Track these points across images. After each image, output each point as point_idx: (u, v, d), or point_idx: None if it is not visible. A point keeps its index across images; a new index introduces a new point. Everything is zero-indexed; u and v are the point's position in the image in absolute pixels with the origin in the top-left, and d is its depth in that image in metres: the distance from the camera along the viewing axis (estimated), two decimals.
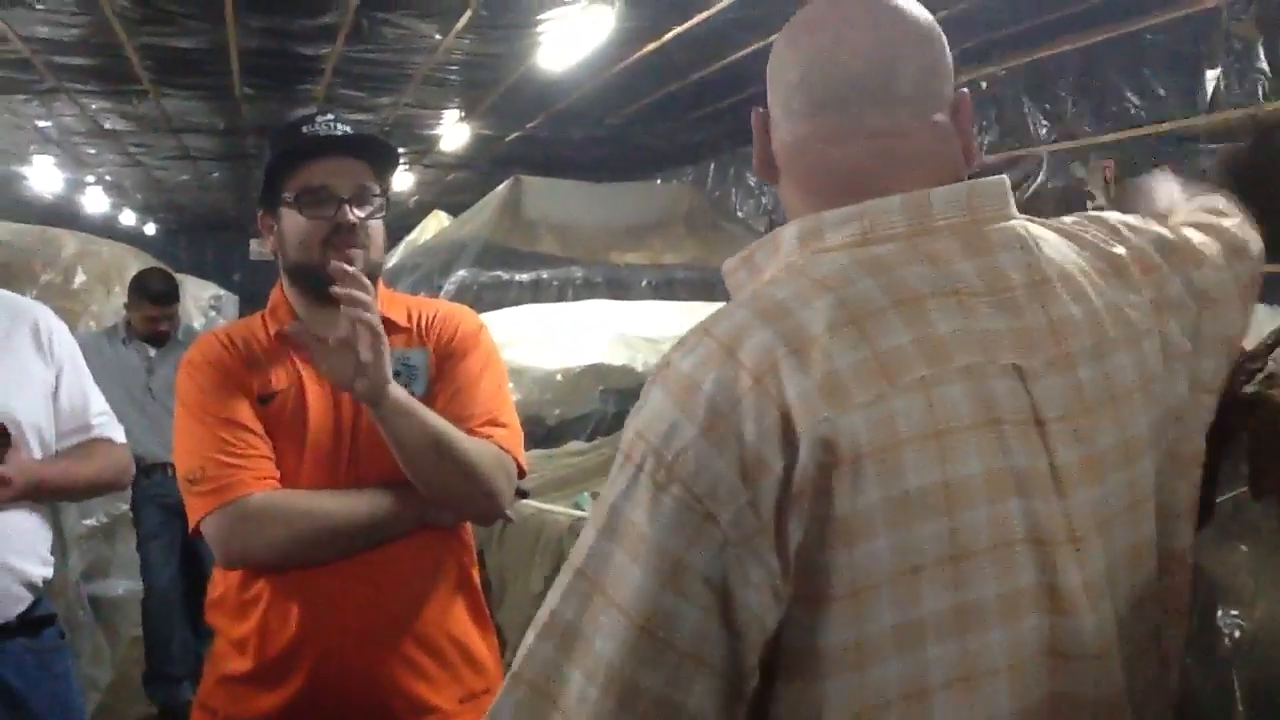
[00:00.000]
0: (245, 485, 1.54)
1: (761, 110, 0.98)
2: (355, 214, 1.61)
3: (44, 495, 1.99)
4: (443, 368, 1.67)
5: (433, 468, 1.55)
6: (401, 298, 1.80)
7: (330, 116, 1.67)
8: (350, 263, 1.59)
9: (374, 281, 1.67)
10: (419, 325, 1.72)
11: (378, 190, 1.66)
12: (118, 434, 2.15)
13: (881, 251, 0.87)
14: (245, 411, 1.60)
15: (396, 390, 1.51)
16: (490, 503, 1.61)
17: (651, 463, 0.81)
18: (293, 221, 1.62)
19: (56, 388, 2.02)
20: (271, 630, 1.59)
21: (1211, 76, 4.50)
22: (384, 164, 1.70)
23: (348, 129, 1.65)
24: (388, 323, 1.66)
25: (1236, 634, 1.15)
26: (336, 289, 1.47)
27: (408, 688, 1.59)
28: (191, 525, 1.58)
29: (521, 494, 3.44)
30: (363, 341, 1.46)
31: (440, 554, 1.67)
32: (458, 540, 1.72)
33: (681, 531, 0.79)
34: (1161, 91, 4.78)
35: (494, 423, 1.64)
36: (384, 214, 1.68)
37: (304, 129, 1.64)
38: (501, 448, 1.62)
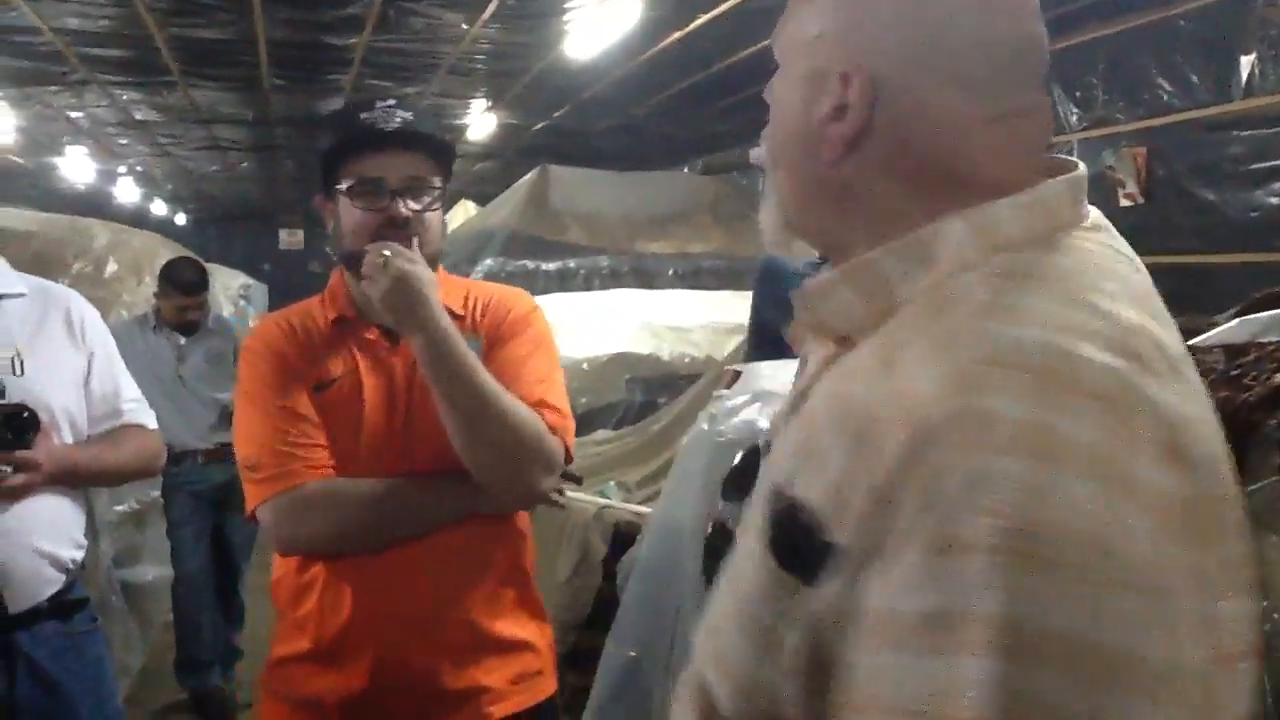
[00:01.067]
0: (300, 474, 1.56)
1: (859, 70, 0.78)
2: (409, 206, 1.60)
3: (76, 480, 2.02)
4: (491, 352, 1.66)
5: (473, 426, 1.52)
6: (461, 283, 1.78)
7: (391, 102, 1.64)
8: None
9: (433, 270, 1.65)
10: (473, 312, 1.71)
11: (436, 181, 1.64)
12: (149, 420, 2.17)
13: (1085, 246, 0.74)
14: (302, 400, 1.61)
15: (445, 329, 1.50)
16: (531, 480, 1.58)
17: (1111, 566, 0.59)
18: (347, 212, 1.62)
19: (88, 374, 2.05)
20: (326, 613, 1.61)
21: (1245, 62, 4.44)
22: (443, 154, 1.67)
23: (408, 115, 1.63)
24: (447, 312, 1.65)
25: (1266, 626, 1.14)
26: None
27: (460, 671, 1.61)
28: (248, 511, 1.62)
29: (575, 479, 3.44)
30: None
31: (492, 543, 1.67)
32: (511, 529, 1.71)
33: (1202, 642, 0.61)
34: (1194, 78, 4.72)
35: (543, 404, 1.61)
36: (439, 205, 1.65)
37: (361, 115, 1.63)
38: (550, 428, 1.59)
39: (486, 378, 1.53)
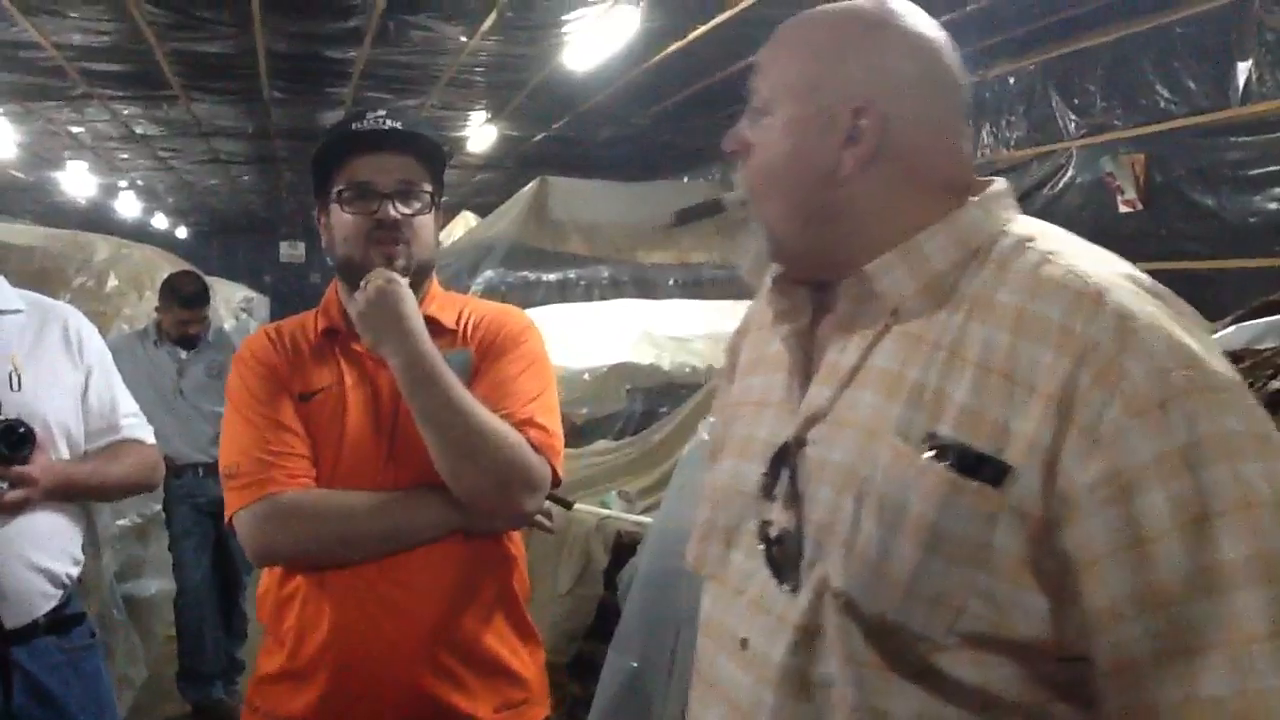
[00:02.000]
0: (277, 483, 1.55)
1: (870, 105, 0.97)
2: (399, 210, 1.59)
3: (73, 495, 2.01)
4: (481, 368, 1.64)
5: (452, 444, 1.50)
6: (457, 299, 1.76)
7: (381, 113, 1.64)
8: (391, 259, 1.58)
9: (424, 278, 1.66)
10: (466, 327, 1.69)
11: (427, 186, 1.64)
12: (147, 435, 2.17)
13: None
14: (286, 410, 1.60)
15: (422, 350, 1.50)
16: (513, 499, 1.55)
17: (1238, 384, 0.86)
18: (339, 218, 1.62)
19: (85, 389, 2.05)
20: (306, 629, 1.59)
21: (1243, 69, 4.45)
22: (433, 158, 1.67)
23: (396, 124, 1.63)
24: (435, 324, 1.63)
25: None
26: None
27: (441, 695, 1.57)
28: (226, 518, 1.61)
29: (565, 504, 3.42)
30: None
31: (479, 564, 1.63)
32: (500, 550, 1.68)
33: None
34: (1192, 84, 4.72)
35: (530, 423, 1.58)
36: (432, 211, 1.65)
37: (353, 125, 1.64)
38: (535, 447, 1.56)
39: (465, 396, 1.51)
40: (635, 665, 2.62)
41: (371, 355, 1.62)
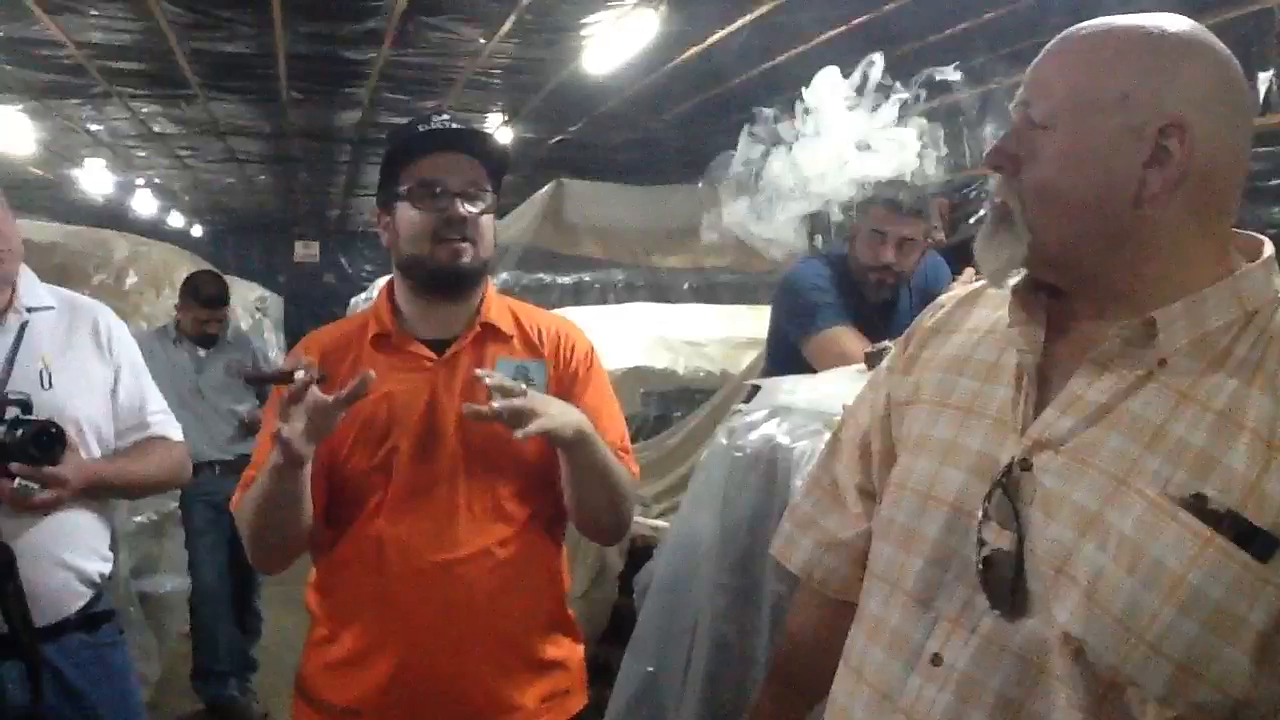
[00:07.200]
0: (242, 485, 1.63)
1: (1181, 124, 0.92)
2: (466, 208, 1.64)
3: (103, 493, 2.03)
4: (564, 385, 1.70)
5: (599, 495, 1.64)
6: (504, 301, 1.81)
7: (446, 116, 1.71)
8: (458, 256, 1.64)
9: (481, 277, 1.72)
10: (529, 334, 1.74)
11: (489, 188, 1.69)
12: (175, 432, 2.19)
13: None
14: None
15: (579, 423, 1.57)
16: (622, 528, 1.73)
17: None
18: (405, 214, 1.66)
19: (115, 386, 2.07)
20: (359, 619, 1.63)
21: (1263, 79, 4.43)
22: (497, 163, 1.72)
23: (463, 127, 1.70)
24: (494, 331, 1.71)
25: None
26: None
27: (491, 684, 1.62)
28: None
29: None
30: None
31: (529, 556, 1.69)
32: (549, 543, 1.74)
33: None
34: None
35: (624, 449, 1.71)
36: (494, 212, 1.71)
37: (420, 127, 1.69)
38: (632, 474, 1.71)
39: (608, 455, 1.63)
40: (651, 670, 2.62)
41: (428, 354, 1.66)
